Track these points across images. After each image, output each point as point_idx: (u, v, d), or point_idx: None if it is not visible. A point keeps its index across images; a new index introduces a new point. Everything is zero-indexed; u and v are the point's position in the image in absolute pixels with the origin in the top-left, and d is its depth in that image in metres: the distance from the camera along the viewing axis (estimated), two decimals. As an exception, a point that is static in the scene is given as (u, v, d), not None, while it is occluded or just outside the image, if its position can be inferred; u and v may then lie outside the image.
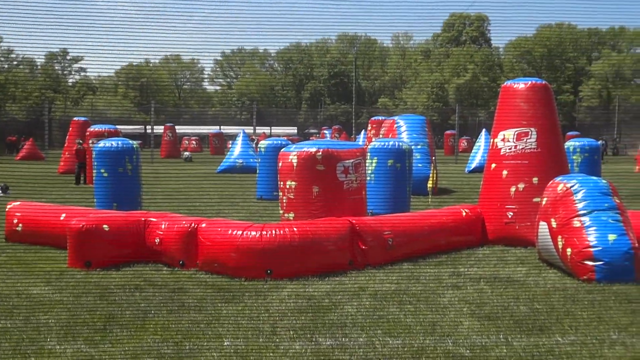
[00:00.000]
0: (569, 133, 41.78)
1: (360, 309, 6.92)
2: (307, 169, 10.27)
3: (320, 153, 10.24)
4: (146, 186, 14.36)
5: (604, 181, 9.12)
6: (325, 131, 53.20)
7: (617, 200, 8.73)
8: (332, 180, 10.25)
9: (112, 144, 13.27)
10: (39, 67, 78.19)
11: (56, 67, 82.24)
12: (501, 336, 6.03)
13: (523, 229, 10.33)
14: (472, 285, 7.98)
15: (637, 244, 8.22)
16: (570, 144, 20.19)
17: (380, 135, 20.26)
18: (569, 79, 74.78)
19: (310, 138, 50.79)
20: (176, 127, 49.48)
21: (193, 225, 8.81)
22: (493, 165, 11.16)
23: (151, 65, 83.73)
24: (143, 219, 9.35)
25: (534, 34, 74.85)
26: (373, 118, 26.64)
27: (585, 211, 8.54)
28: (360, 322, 6.43)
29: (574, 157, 19.66)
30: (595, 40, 77.61)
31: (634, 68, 69.23)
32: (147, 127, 56.79)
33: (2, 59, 70.26)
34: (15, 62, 73.19)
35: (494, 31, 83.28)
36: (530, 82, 11.16)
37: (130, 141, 13.74)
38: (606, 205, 8.61)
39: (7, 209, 10.96)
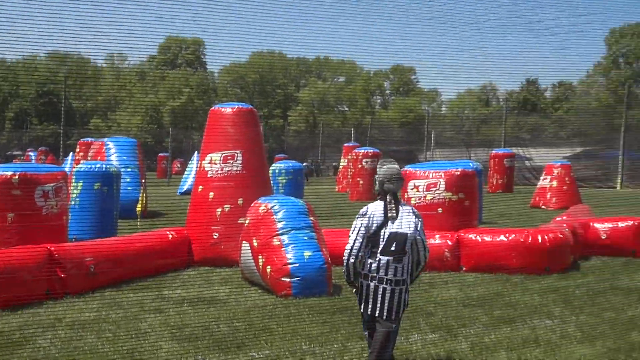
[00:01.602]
0: (278, 155, 43.84)
1: (55, 341, 6.55)
2: (2, 194, 9.54)
3: (17, 177, 9.60)
4: None
5: (301, 202, 9.72)
6: (30, 153, 49.95)
7: (312, 219, 9.33)
8: (29, 206, 9.63)
9: None
10: None
11: None
12: (200, 357, 6.09)
13: (228, 249, 10.55)
14: (175, 307, 7.98)
15: (329, 260, 8.86)
16: (275, 166, 21.26)
17: (89, 158, 19.55)
18: (279, 104, 78.55)
19: (15, 161, 47.41)
20: None
21: None
22: (200, 188, 11.32)
23: None
24: None
25: (247, 60, 77.61)
26: (82, 140, 25.61)
27: (284, 230, 9.00)
28: (54, 355, 6.09)
29: (279, 179, 20.67)
30: (303, 69, 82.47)
31: (336, 96, 74.94)
32: None
33: None
34: None
35: (209, 56, 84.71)
36: (236, 107, 11.51)
37: None
38: (303, 224, 9.17)
39: None
